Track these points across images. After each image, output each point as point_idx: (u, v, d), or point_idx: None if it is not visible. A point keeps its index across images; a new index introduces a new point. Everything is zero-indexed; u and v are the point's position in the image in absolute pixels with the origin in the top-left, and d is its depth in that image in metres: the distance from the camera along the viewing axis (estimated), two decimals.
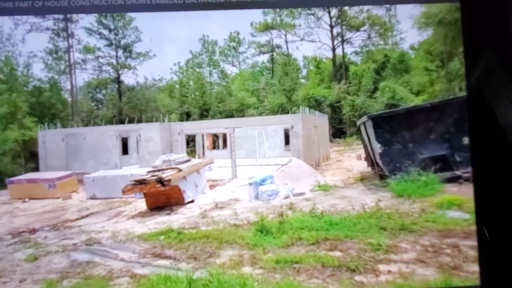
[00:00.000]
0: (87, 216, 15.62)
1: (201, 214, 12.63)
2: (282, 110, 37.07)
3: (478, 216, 1.89)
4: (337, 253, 7.78)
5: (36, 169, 25.88)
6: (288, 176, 14.33)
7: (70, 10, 2.42)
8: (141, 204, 16.64)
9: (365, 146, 17.70)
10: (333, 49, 45.18)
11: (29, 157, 29.67)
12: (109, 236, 11.45)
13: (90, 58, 45.89)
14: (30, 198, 19.44)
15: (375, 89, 37.91)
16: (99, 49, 46.13)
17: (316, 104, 37.65)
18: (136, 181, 14.38)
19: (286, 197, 12.80)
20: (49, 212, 16.94)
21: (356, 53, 45.45)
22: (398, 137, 14.20)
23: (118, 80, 48.31)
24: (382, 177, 15.05)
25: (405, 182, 12.53)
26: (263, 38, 50.01)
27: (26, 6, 2.37)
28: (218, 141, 35.36)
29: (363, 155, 19.49)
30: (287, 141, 33.62)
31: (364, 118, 15.82)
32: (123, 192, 14.62)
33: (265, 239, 8.69)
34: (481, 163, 1.88)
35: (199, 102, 47.34)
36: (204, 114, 44.07)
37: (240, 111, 41.52)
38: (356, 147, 28.57)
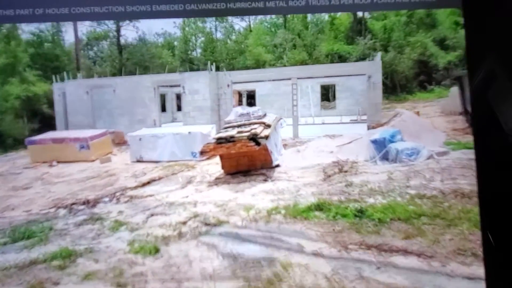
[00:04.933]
0: (148, 183, 12.27)
1: (324, 178, 9.49)
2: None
3: (483, 222, 1.75)
4: None
5: (39, 130, 21.86)
6: (404, 132, 11.25)
7: (71, 17, 2.30)
8: (208, 168, 13.42)
9: (463, 101, 14.77)
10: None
11: (31, 116, 25.56)
12: (219, 211, 8.23)
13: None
14: (58, 162, 15.80)
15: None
16: None
17: (340, 61, 34.37)
18: (220, 138, 11.00)
19: (429, 158, 9.79)
20: (94, 178, 13.45)
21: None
22: None
23: (118, 34, 43.46)
24: None
25: None
26: None
27: (27, 13, 2.27)
28: (242, 99, 31.79)
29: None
30: (324, 98, 30.45)
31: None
32: (203, 152, 11.31)
33: None
34: (486, 168, 1.78)
35: (209, 58, 43.13)
36: None
37: (255, 69, 37.81)
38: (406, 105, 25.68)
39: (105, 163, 15.33)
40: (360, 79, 25.59)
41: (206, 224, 7.26)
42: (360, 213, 6.35)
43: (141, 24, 47.50)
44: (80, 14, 2.36)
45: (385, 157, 10.35)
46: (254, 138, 10.83)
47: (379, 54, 18.37)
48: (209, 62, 19.63)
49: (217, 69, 30.99)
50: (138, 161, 15.00)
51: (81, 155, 15.81)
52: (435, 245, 4.91)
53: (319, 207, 7.15)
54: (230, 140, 10.97)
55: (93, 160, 15.81)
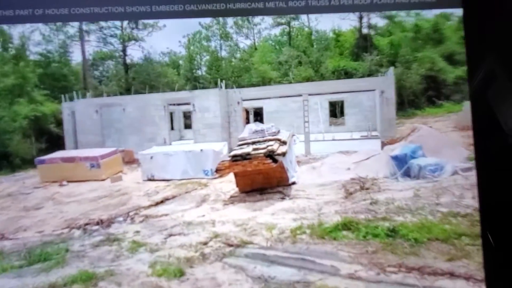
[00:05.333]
0: (161, 202, 12.02)
1: (346, 195, 9.21)
2: None
3: (483, 222, 1.74)
4: None
5: (46, 150, 21.69)
6: (424, 148, 10.98)
7: (71, 18, 2.31)
8: (222, 186, 13.18)
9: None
10: (360, 18, 41.59)
11: (38, 135, 25.44)
12: (239, 231, 7.95)
13: (93, 29, 41.18)
14: (68, 181, 15.58)
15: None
16: None
17: (346, 77, 34.34)
18: (236, 156, 10.77)
19: (453, 174, 9.51)
20: (106, 198, 13.22)
21: (389, 18, 41.85)
22: None
23: (124, 53, 43.78)
24: None
25: None
26: None
27: (27, 14, 2.26)
28: (249, 117, 31.69)
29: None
30: (331, 114, 30.25)
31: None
32: (219, 170, 11.02)
33: None
34: (486, 169, 1.78)
35: (215, 76, 43.26)
36: None
37: (261, 86, 37.80)
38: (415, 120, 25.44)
39: (116, 182, 15.10)
40: (368, 94, 25.52)
41: (229, 245, 6.97)
42: (393, 232, 6.05)
43: (146, 43, 47.91)
44: (80, 14, 2.34)
45: (406, 174, 10.07)
46: (270, 155, 10.59)
47: (391, 69, 18.25)
48: (219, 80, 19.58)
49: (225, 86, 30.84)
50: (150, 179, 14.77)
51: (92, 174, 15.60)
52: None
53: (346, 226, 6.85)
54: (246, 157, 10.73)
55: (104, 179, 15.60)
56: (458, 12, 40.77)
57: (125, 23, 43.37)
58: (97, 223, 10.46)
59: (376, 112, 24.44)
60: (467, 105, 19.05)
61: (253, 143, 11.81)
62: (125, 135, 18.33)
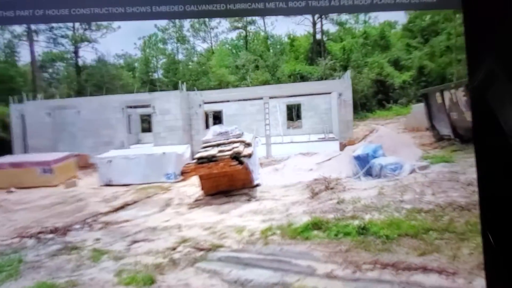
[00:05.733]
0: (122, 207, 11.49)
1: (312, 195, 9.23)
2: None
3: (483, 222, 1.70)
4: None
5: None
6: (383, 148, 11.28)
7: (71, 18, 2.28)
8: (185, 189, 12.85)
9: (430, 117, 15.20)
10: (314, 24, 42.48)
11: None
12: (208, 235, 7.72)
13: (43, 29, 39.13)
14: (17, 187, 14.56)
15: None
16: None
17: (302, 81, 34.94)
18: (202, 158, 10.51)
19: (411, 172, 9.79)
20: (60, 204, 12.46)
21: (340, 24, 43.06)
22: None
23: (76, 55, 41.92)
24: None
25: None
26: None
27: (27, 14, 2.23)
28: (208, 120, 31.37)
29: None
30: (289, 117, 30.51)
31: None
32: (184, 173, 10.71)
33: None
34: (486, 169, 1.72)
35: (172, 79, 42.48)
36: None
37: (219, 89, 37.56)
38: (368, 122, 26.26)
39: (71, 187, 14.30)
40: (325, 98, 26.03)
41: (200, 249, 6.72)
42: (364, 230, 6.08)
43: (100, 45, 46.20)
44: (80, 15, 2.29)
45: (368, 173, 10.27)
46: (236, 157, 10.43)
47: (348, 72, 18.67)
48: (179, 82, 19.09)
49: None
50: (107, 185, 14.11)
51: (44, 180, 14.67)
52: (455, 261, 4.71)
53: (316, 225, 6.82)
54: (211, 159, 10.50)
55: (56, 185, 14.72)
56: (403, 20, 42.50)
57: (77, 23, 41.65)
58: (52, 232, 9.78)
59: (331, 115, 24.99)
60: (415, 108, 19.96)
61: (218, 145, 11.60)
62: (79, 138, 17.41)
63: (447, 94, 13.54)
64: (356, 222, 6.52)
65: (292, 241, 6.31)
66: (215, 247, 6.61)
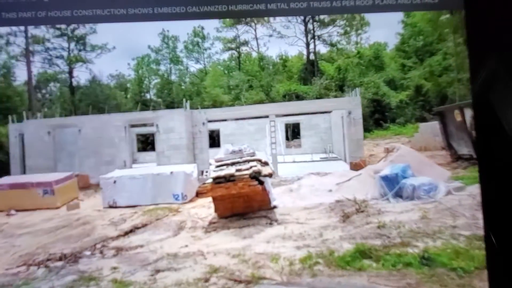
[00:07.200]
0: (131, 231, 10.61)
1: (343, 219, 8.53)
2: None
3: (486, 224, 1.65)
4: None
5: None
6: None
7: (73, 20, 2.26)
8: (196, 211, 12.03)
9: (446, 136, 14.72)
10: (307, 45, 42.56)
11: None
12: (239, 263, 6.94)
13: (39, 50, 38.40)
14: (17, 210, 13.53)
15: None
16: (48, 40, 38.69)
17: (298, 100, 34.65)
18: (219, 177, 9.77)
19: (447, 194, 9.18)
20: (65, 228, 11.51)
21: (332, 45, 43.16)
22: None
23: (70, 75, 41.03)
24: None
25: None
26: (229, 34, 45.86)
27: (29, 16, 2.23)
28: None
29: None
30: (287, 137, 29.94)
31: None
32: (199, 194, 9.95)
33: None
34: (488, 170, 1.67)
35: (166, 99, 41.80)
36: None
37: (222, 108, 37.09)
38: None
39: (74, 210, 13.34)
40: (324, 117, 25.59)
41: (238, 281, 5.94)
42: (427, 260, 5.39)
43: (94, 65, 45.40)
44: (82, 16, 2.27)
45: (398, 194, 9.64)
46: (256, 177, 9.72)
47: (358, 89, 18.22)
48: (184, 100, 18.39)
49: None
50: (111, 206, 13.19)
51: (45, 201, 13.70)
52: None
53: (364, 254, 6.12)
54: (230, 179, 9.76)
55: (58, 207, 13.74)
56: (394, 41, 42.76)
57: (72, 44, 40.94)
58: (61, 259, 8.89)
59: (332, 134, 24.49)
60: (422, 126, 19.58)
61: (233, 164, 10.89)
62: (80, 158, 16.47)
63: (468, 112, 13.05)
64: (412, 251, 5.83)
65: (344, 272, 5.58)
66: (256, 279, 5.85)
